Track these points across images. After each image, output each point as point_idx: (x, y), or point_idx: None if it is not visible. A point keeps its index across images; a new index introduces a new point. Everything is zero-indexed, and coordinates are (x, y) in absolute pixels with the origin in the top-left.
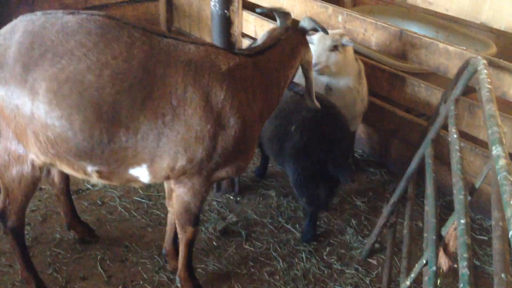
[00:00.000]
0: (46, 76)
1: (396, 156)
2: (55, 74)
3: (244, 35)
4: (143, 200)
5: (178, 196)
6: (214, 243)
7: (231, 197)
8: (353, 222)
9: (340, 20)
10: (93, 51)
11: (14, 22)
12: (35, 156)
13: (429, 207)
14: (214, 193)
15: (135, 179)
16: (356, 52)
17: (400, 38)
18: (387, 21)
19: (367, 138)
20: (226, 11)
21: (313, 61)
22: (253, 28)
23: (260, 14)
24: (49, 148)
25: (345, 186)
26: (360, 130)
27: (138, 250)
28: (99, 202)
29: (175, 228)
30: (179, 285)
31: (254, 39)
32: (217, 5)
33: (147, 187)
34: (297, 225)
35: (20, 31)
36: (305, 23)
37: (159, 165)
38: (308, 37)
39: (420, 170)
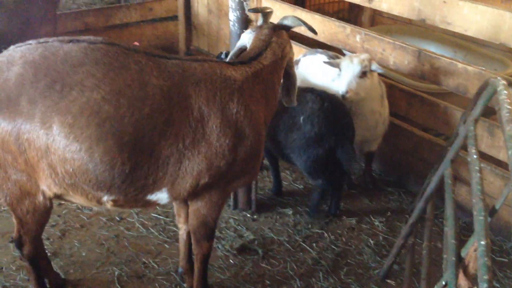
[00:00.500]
0: (57, 109)
1: (414, 176)
2: (67, 107)
3: None
4: (161, 217)
5: (195, 210)
6: (231, 260)
7: (248, 215)
8: (371, 242)
9: (358, 39)
10: (104, 81)
11: (7, 52)
12: (47, 187)
13: (449, 228)
14: (231, 211)
15: (153, 204)
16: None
17: (418, 58)
18: (406, 41)
19: (385, 158)
20: (244, 30)
21: (343, 88)
22: None
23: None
24: (65, 180)
25: (362, 205)
26: (379, 150)
27: (155, 266)
28: (117, 218)
29: (189, 245)
30: None
31: None
32: (236, 24)
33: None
34: (314, 244)
35: (19, 62)
36: (288, 21)
37: (180, 187)
38: (332, 61)
39: (439, 191)
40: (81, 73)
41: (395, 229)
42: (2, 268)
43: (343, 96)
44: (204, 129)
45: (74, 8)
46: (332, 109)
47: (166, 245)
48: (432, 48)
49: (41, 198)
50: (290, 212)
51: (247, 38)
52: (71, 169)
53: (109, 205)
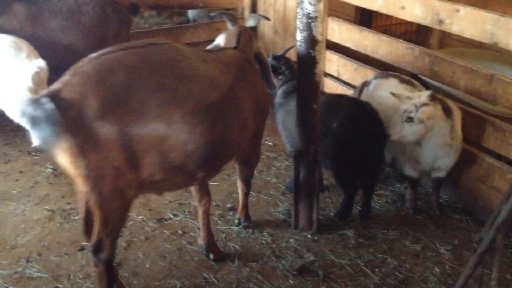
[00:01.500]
0: (174, 101)
1: (484, 204)
2: (181, 98)
3: (327, 74)
4: (222, 234)
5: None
6: (291, 281)
7: (309, 235)
8: (437, 270)
9: (427, 62)
10: (199, 72)
11: (99, 61)
12: (149, 176)
13: None
14: (292, 230)
15: (219, 172)
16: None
17: (490, 82)
18: (480, 65)
19: (453, 184)
20: (311, 51)
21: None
22: (336, 68)
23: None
24: (175, 163)
25: (427, 232)
26: (447, 175)
27: (215, 282)
28: (180, 232)
29: (208, 221)
30: (240, 221)
31: (337, 79)
32: (303, 45)
33: (227, 220)
34: (377, 269)
35: (120, 68)
36: (250, 22)
37: (241, 151)
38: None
39: (511, 220)
40: (181, 68)
41: (462, 258)
42: (69, 275)
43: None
44: (249, 103)
45: (146, 27)
46: (365, 115)
47: (227, 261)
48: (508, 73)
49: (132, 192)
50: (351, 234)
51: (220, 39)
52: (187, 151)
53: (197, 181)
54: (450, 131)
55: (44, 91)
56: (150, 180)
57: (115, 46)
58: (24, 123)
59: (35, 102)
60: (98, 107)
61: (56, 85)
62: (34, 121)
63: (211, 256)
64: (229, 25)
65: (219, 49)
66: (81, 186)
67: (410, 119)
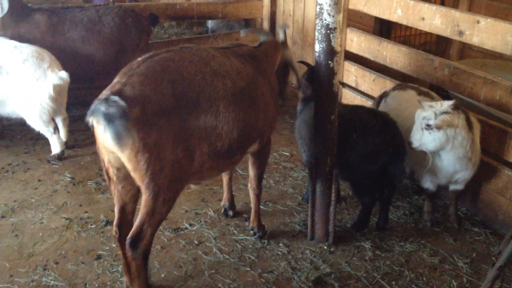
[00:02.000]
0: (219, 94)
1: (503, 217)
2: (221, 91)
3: (345, 85)
4: (238, 245)
5: (256, 159)
6: None
7: (325, 247)
8: (454, 283)
9: (447, 73)
10: (227, 66)
11: (147, 65)
12: (198, 165)
13: None
14: (308, 241)
15: (243, 157)
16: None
17: (511, 94)
18: (503, 76)
19: (472, 196)
20: (330, 61)
21: (409, 138)
22: (354, 78)
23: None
24: (223, 150)
25: (445, 245)
26: (465, 187)
27: None
28: (196, 242)
29: (231, 188)
30: (254, 231)
31: (355, 89)
32: (322, 56)
33: (243, 230)
34: (393, 282)
35: (173, 68)
36: (281, 35)
37: (263, 136)
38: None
39: None
40: (213, 65)
41: (480, 271)
42: (86, 284)
43: (409, 145)
44: (266, 94)
45: (166, 37)
46: (385, 126)
47: (241, 272)
48: None
49: (184, 183)
50: (368, 245)
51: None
52: (232, 138)
53: (234, 164)
54: (471, 144)
55: (107, 92)
56: (199, 169)
57: (156, 51)
58: (96, 121)
59: (106, 101)
60: (158, 103)
61: (116, 86)
62: (109, 118)
63: (230, 212)
64: (261, 39)
65: (234, 45)
66: (139, 180)
67: (428, 127)
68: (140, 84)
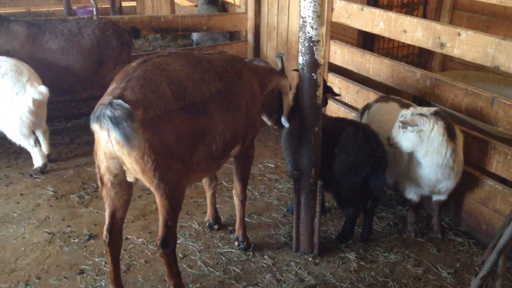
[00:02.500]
0: (209, 97)
1: (486, 227)
2: (208, 93)
3: (329, 97)
4: (223, 258)
5: (240, 164)
6: None
7: (310, 259)
8: None
9: (429, 84)
10: (212, 70)
11: (144, 69)
12: (196, 165)
13: None
14: (293, 253)
15: (227, 158)
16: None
17: (492, 105)
18: (484, 88)
19: (455, 207)
20: (313, 74)
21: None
22: (338, 90)
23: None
24: (214, 151)
25: (429, 255)
26: (448, 198)
27: None
28: (180, 255)
29: (215, 202)
30: (239, 240)
31: (339, 101)
32: (305, 68)
33: (227, 242)
34: None
35: (170, 71)
36: (279, 63)
37: (245, 138)
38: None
39: None
40: (201, 68)
41: (464, 281)
42: None
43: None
44: (251, 100)
45: (150, 50)
46: (366, 138)
47: (226, 285)
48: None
49: (187, 181)
50: (353, 256)
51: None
52: (226, 140)
53: (220, 167)
54: (452, 153)
55: (108, 97)
56: (196, 170)
57: (147, 57)
58: (99, 126)
59: (110, 105)
60: (159, 105)
61: (116, 91)
62: (116, 121)
63: (216, 227)
64: (279, 65)
65: (216, 52)
66: (148, 181)
67: (402, 124)
68: (140, 88)
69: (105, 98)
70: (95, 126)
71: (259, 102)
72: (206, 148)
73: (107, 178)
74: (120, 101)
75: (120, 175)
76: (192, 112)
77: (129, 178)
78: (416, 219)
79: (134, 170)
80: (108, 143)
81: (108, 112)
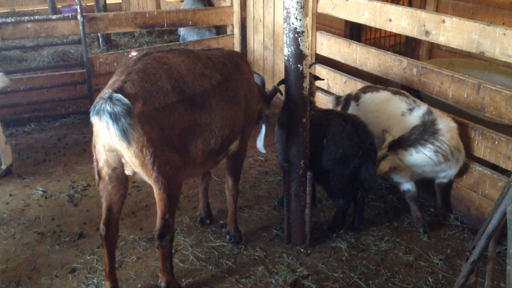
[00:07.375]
0: (210, 92)
1: (476, 213)
2: (213, 90)
3: (317, 88)
4: (215, 251)
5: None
6: None
7: (302, 250)
8: (430, 280)
9: (415, 73)
10: (212, 65)
11: (143, 62)
12: (192, 159)
13: None
14: (285, 245)
15: (226, 153)
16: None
17: (478, 91)
18: (470, 74)
19: (445, 193)
20: (299, 65)
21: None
22: (326, 81)
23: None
24: (211, 146)
25: (420, 242)
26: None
27: None
28: (173, 250)
29: (207, 197)
30: (231, 234)
31: (327, 92)
32: (291, 59)
33: (219, 236)
34: (370, 282)
35: (170, 65)
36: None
37: (244, 133)
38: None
39: (502, 228)
40: (201, 64)
41: (455, 267)
42: None
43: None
44: (247, 97)
45: (136, 47)
46: (355, 130)
47: (219, 279)
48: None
49: (183, 175)
50: (344, 246)
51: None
52: (225, 135)
53: (217, 163)
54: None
55: (108, 90)
56: (192, 165)
57: (148, 51)
58: (99, 119)
59: (110, 99)
60: (159, 98)
61: (116, 84)
62: (115, 116)
63: (207, 221)
64: (269, 92)
65: (213, 49)
66: (147, 174)
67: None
68: (140, 80)
69: (105, 91)
70: (94, 119)
71: (256, 97)
72: (205, 143)
73: (105, 171)
74: (119, 96)
75: (118, 169)
76: (192, 106)
77: (127, 172)
78: (421, 214)
79: (132, 163)
80: (108, 135)
81: (108, 107)
